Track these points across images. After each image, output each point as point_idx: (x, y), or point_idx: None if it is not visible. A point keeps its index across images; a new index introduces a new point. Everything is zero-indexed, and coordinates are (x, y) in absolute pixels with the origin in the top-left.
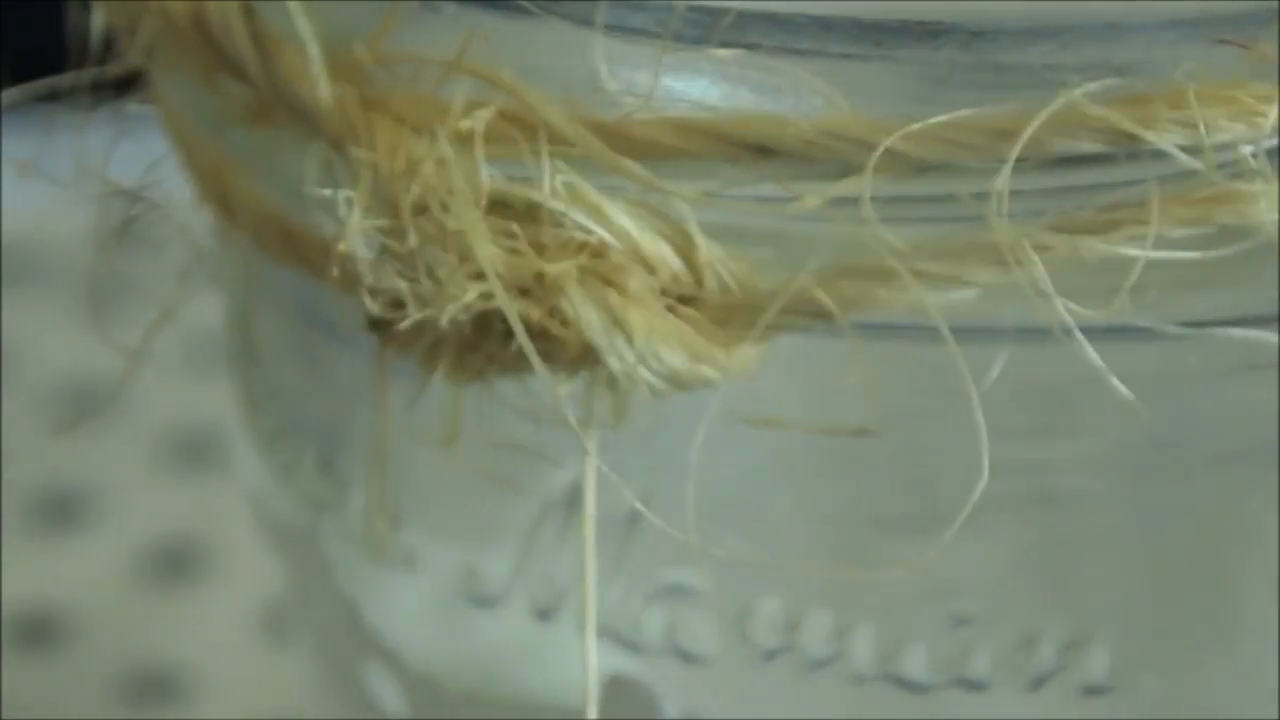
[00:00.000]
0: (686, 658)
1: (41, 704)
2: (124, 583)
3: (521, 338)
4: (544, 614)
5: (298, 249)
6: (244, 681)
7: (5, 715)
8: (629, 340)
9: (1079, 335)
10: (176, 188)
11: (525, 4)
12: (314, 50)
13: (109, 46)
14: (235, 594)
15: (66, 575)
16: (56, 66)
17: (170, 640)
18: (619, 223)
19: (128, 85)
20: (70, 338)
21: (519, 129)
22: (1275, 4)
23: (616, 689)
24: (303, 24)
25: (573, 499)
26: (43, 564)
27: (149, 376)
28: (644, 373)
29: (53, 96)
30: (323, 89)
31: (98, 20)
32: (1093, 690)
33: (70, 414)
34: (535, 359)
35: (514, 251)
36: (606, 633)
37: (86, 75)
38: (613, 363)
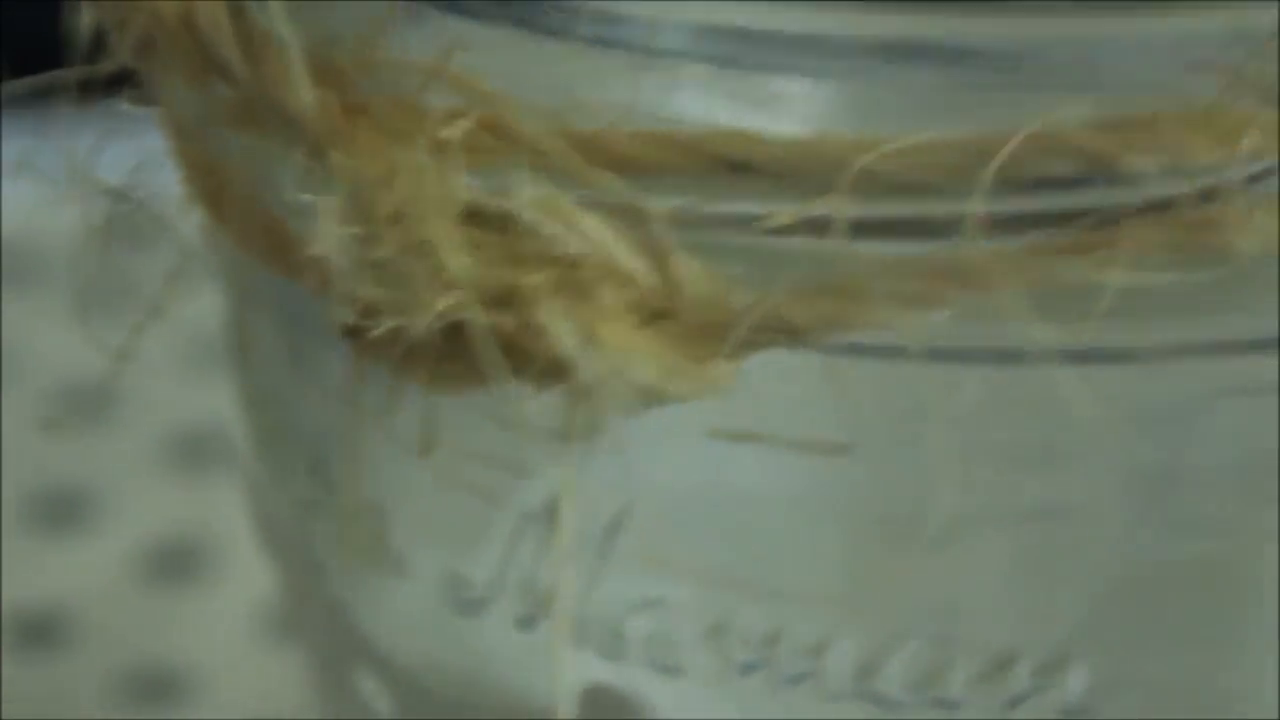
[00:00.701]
0: (664, 669)
1: (41, 704)
2: (124, 582)
3: (487, 349)
4: (526, 622)
5: (282, 252)
6: (244, 682)
7: (5, 715)
8: (601, 354)
9: (1058, 359)
10: (170, 187)
11: (507, 15)
12: (296, 54)
13: (101, 45)
14: (235, 594)
15: (66, 575)
16: (55, 66)
17: (170, 640)
18: (595, 236)
19: (120, 84)
20: (69, 337)
21: (497, 139)
22: (1257, 28)
23: (597, 698)
24: (285, 27)
25: (552, 509)
26: (43, 564)
27: (149, 376)
28: (616, 387)
29: (48, 94)
30: (305, 93)
31: (88, 18)
32: (1071, 711)
33: (70, 414)
34: (501, 370)
35: (488, 262)
36: (585, 643)
37: (79, 73)
38: (585, 376)
